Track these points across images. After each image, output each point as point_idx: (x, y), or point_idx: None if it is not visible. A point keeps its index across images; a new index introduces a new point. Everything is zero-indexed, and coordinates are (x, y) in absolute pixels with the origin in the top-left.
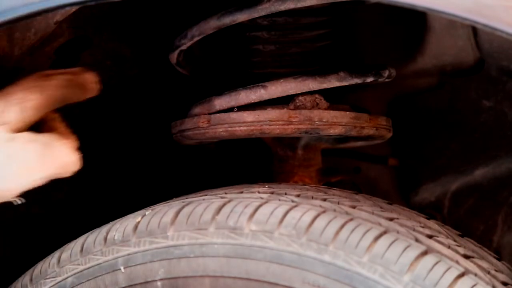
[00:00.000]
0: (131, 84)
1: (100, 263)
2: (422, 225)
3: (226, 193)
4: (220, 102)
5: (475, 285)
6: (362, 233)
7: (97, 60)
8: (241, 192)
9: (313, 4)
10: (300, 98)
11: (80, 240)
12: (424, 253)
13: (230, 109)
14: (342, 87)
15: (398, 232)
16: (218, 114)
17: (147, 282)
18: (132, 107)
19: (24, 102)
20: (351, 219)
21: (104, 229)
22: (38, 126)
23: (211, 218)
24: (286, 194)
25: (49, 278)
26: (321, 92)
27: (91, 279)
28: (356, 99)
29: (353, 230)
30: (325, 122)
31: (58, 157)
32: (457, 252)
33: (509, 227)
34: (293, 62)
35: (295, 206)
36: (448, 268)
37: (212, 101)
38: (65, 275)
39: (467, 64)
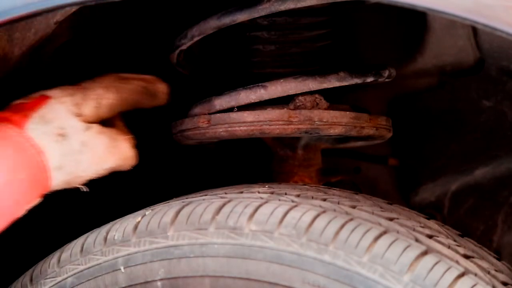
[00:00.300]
0: None
1: (100, 263)
2: (422, 225)
3: (226, 193)
4: (220, 102)
5: (475, 285)
6: (362, 233)
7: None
8: (241, 192)
9: (313, 4)
10: (300, 98)
11: (80, 240)
12: (424, 253)
13: (230, 109)
14: (342, 87)
15: (398, 232)
16: (218, 114)
17: (147, 282)
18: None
19: (101, 99)
20: (351, 219)
21: (104, 229)
22: (102, 121)
23: (211, 218)
24: (286, 194)
25: (49, 278)
26: (321, 92)
27: (91, 279)
28: (356, 99)
29: (353, 230)
30: (325, 122)
31: (122, 151)
32: (457, 252)
33: (509, 227)
34: (293, 62)
35: (295, 206)
36: (448, 268)
37: (212, 101)
38: (65, 275)
39: (467, 64)
